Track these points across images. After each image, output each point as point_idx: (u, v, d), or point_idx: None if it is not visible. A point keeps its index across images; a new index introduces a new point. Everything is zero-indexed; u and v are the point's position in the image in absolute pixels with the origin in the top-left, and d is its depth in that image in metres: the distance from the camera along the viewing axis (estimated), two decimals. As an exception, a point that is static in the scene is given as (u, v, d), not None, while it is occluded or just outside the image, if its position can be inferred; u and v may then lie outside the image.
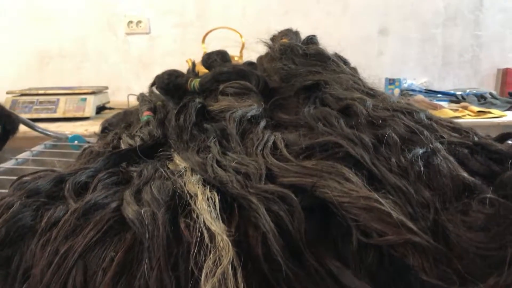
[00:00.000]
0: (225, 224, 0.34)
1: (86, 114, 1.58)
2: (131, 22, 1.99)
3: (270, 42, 0.81)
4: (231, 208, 0.36)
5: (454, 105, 1.71)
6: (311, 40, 0.75)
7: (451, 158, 0.39)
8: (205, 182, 0.38)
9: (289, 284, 0.31)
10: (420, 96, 1.72)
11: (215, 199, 0.35)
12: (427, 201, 0.36)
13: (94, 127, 1.24)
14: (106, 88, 1.79)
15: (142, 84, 0.96)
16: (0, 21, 1.97)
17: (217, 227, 0.32)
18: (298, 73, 0.62)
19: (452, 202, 0.35)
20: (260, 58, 0.80)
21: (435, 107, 1.54)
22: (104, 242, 0.35)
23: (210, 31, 1.68)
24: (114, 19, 1.97)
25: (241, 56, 1.67)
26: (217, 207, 0.34)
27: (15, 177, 0.46)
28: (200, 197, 0.35)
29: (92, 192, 0.42)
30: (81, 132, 1.27)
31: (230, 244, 0.31)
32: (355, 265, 0.32)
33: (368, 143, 0.41)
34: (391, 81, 2.02)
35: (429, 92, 1.97)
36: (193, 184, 0.38)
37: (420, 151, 0.41)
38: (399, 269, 0.32)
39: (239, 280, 0.30)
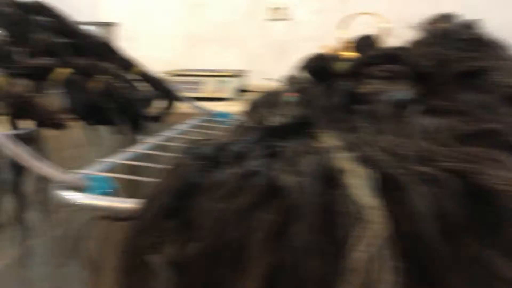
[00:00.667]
0: (379, 201, 0.35)
1: (226, 95, 1.69)
2: (274, 8, 2.05)
3: (422, 27, 0.77)
4: (381, 187, 0.36)
5: None
6: (470, 24, 0.70)
7: None
8: (358, 159, 0.39)
9: (439, 269, 0.31)
10: None
11: (366, 176, 0.36)
12: None
13: (233, 107, 1.33)
14: (246, 71, 1.88)
15: (281, 69, 1.00)
16: (161, 5, 2.18)
17: (368, 201, 0.33)
18: (456, 59, 0.59)
19: None
20: (414, 43, 0.77)
21: None
22: (260, 204, 0.38)
23: (353, 16, 1.66)
24: (256, 5, 2.06)
25: (386, 43, 1.62)
26: (368, 183, 0.35)
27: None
28: (350, 172, 0.36)
29: (248, 161, 0.45)
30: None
31: (381, 218, 0.32)
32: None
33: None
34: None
35: None
36: (344, 161, 0.39)
37: None
38: None
39: (389, 254, 0.30)
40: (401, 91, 0.51)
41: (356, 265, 0.31)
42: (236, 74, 1.79)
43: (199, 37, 2.18)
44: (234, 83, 1.76)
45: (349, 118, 0.50)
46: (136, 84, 0.87)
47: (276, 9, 2.04)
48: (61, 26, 0.86)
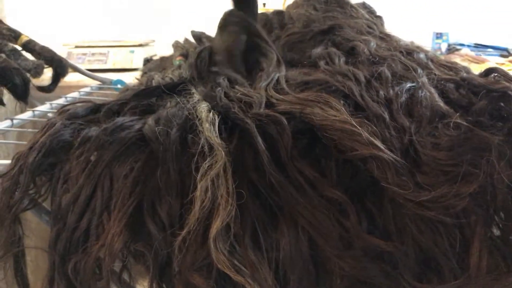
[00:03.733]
0: (225, 141, 0.40)
1: (134, 66, 1.68)
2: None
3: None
4: (232, 129, 0.42)
5: (502, 59, 1.66)
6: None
7: (433, 91, 0.42)
8: (212, 108, 0.44)
9: (272, 189, 0.37)
10: (466, 50, 1.68)
11: (215, 120, 0.41)
12: (404, 127, 0.40)
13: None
14: (153, 41, 1.87)
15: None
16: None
17: (215, 141, 0.39)
18: (317, 19, 0.66)
19: (426, 127, 0.39)
20: (288, 6, 0.84)
21: (479, 61, 1.50)
22: (127, 154, 0.43)
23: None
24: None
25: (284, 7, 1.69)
26: (216, 126, 0.40)
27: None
28: (204, 119, 0.41)
29: (119, 118, 0.49)
30: (129, 81, 1.37)
31: (223, 153, 0.37)
32: (331, 178, 0.38)
33: (360, 78, 0.45)
34: (438, 35, 1.97)
35: (479, 47, 1.91)
36: (201, 110, 0.44)
37: (408, 85, 0.45)
38: (368, 182, 0.37)
39: (229, 181, 0.36)
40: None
41: (201, 192, 0.36)
42: (143, 44, 1.78)
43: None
44: (142, 53, 1.74)
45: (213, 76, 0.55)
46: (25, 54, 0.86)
47: None
48: None
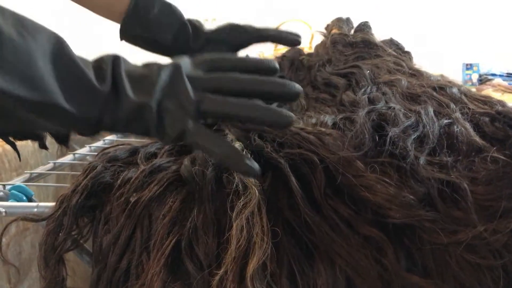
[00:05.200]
0: (259, 180, 0.41)
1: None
2: (206, 20, 2.12)
3: (325, 32, 0.86)
4: (265, 168, 0.43)
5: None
6: (363, 26, 0.79)
7: (467, 126, 0.42)
8: (245, 147, 0.45)
9: (307, 228, 0.37)
10: (498, 80, 1.65)
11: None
12: (441, 163, 0.40)
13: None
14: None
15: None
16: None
17: (248, 179, 0.39)
18: (339, 61, 0.68)
19: (463, 162, 0.39)
20: (317, 48, 0.86)
21: (512, 91, 1.48)
22: (165, 194, 0.44)
23: (280, 25, 1.75)
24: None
25: (310, 47, 1.72)
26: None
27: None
28: None
29: (156, 159, 0.51)
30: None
31: (257, 191, 0.38)
32: (367, 215, 0.38)
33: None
34: (468, 66, 1.96)
35: (511, 76, 1.88)
36: None
37: (445, 121, 0.45)
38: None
39: (264, 219, 0.37)
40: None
41: (236, 231, 0.37)
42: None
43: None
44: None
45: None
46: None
47: (205, 20, 2.11)
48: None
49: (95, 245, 0.45)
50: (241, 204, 0.38)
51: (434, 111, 0.47)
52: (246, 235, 0.36)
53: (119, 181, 0.46)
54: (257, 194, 0.38)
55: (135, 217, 0.43)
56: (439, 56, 1.84)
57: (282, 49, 1.50)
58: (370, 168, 0.37)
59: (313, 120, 0.47)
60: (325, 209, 0.38)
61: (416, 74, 0.60)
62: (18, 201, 0.55)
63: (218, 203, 0.41)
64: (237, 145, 0.46)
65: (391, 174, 0.37)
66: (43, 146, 0.51)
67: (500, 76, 1.86)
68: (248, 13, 2.10)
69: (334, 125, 0.45)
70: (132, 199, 0.44)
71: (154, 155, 0.54)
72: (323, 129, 0.43)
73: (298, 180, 0.40)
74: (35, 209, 0.50)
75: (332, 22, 0.82)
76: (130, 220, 0.43)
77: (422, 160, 0.37)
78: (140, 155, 0.52)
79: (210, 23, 2.16)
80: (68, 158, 0.73)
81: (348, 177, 0.38)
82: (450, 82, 0.58)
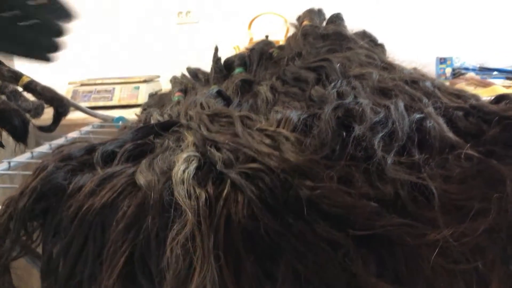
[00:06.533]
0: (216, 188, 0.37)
1: (140, 102, 1.68)
2: (180, 12, 2.06)
3: (297, 24, 0.83)
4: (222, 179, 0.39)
5: (508, 82, 1.64)
6: (335, 18, 0.77)
7: (440, 121, 0.40)
8: (203, 156, 0.42)
9: (269, 236, 0.34)
10: (471, 74, 1.66)
11: (190, 180, 0.38)
12: (413, 160, 0.38)
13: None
14: (158, 76, 1.88)
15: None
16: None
17: (184, 203, 0.36)
18: (309, 55, 0.65)
19: (435, 158, 0.37)
20: (288, 40, 0.83)
21: (485, 85, 1.48)
22: (119, 200, 0.40)
23: (255, 18, 1.72)
24: (166, 12, 2.05)
25: (285, 40, 1.70)
26: (190, 182, 0.38)
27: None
28: (178, 181, 0.38)
29: (118, 161, 0.47)
30: (133, 117, 1.37)
31: (191, 214, 0.35)
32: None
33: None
34: (442, 60, 1.96)
35: (484, 70, 1.89)
36: (176, 170, 0.40)
37: (416, 116, 0.43)
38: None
39: (205, 243, 0.33)
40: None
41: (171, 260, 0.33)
42: (147, 80, 1.79)
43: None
44: (147, 88, 1.75)
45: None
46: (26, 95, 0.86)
47: (187, 12, 2.06)
48: None
49: (44, 255, 0.41)
50: (175, 231, 0.34)
51: (405, 105, 0.45)
52: (183, 263, 0.33)
53: (70, 188, 0.42)
54: (191, 218, 0.34)
55: (86, 226, 0.39)
56: (412, 50, 1.83)
57: (257, 41, 1.48)
58: (333, 170, 0.34)
59: (279, 116, 0.44)
60: (286, 217, 0.35)
61: (388, 67, 0.58)
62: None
63: (162, 221, 0.37)
64: (186, 153, 0.43)
65: (356, 175, 0.35)
66: None
67: (473, 70, 1.87)
68: (222, 5, 2.06)
69: (299, 122, 0.42)
70: (84, 207, 0.40)
71: (112, 153, 0.50)
72: (283, 131, 0.40)
73: (258, 189, 0.36)
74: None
75: (304, 13, 0.80)
76: (82, 229, 0.40)
77: (389, 159, 0.35)
78: (97, 154, 0.49)
79: (184, 16, 2.11)
80: (25, 157, 0.69)
81: (302, 189, 0.35)
82: (423, 75, 0.56)
